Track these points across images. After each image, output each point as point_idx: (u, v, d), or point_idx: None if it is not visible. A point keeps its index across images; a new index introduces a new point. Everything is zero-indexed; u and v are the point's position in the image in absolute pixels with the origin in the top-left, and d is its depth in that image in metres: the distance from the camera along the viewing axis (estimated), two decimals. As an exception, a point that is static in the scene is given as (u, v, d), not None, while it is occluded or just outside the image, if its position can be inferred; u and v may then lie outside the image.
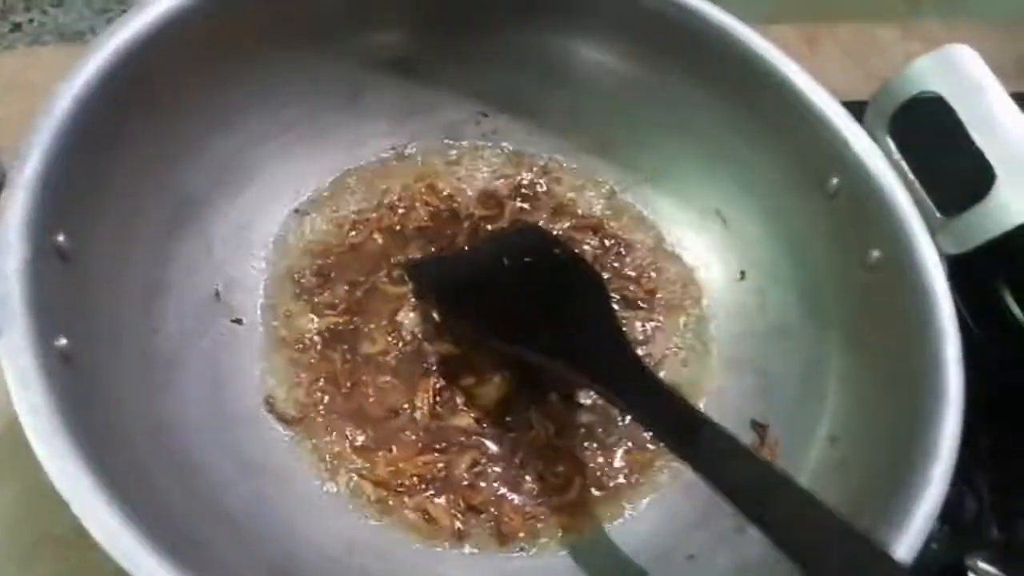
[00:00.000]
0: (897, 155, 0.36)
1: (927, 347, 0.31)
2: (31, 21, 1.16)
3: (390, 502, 0.33)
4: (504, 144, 0.44)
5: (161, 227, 0.34)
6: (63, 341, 0.26)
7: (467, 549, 0.33)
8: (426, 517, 0.33)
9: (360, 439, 0.35)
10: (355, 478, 0.34)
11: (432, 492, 0.34)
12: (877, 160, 0.35)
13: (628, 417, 0.36)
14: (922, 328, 0.32)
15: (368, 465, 0.34)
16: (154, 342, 0.32)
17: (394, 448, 0.35)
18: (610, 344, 0.33)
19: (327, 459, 0.34)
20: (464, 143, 0.43)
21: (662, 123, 0.42)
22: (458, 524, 0.33)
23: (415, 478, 0.34)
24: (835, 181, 0.36)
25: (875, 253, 0.35)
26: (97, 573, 0.23)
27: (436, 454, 0.35)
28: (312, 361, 0.36)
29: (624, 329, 0.36)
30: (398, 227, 0.40)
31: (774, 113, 0.38)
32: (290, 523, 0.31)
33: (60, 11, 1.17)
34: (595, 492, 0.35)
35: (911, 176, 0.35)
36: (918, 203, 0.34)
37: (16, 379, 0.24)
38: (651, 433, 0.33)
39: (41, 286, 0.26)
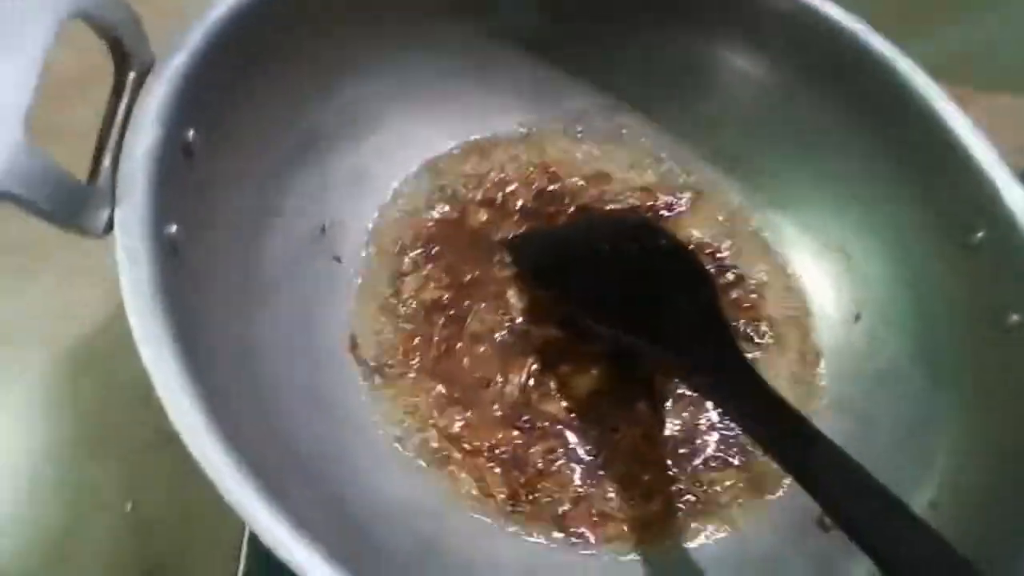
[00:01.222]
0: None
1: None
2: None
3: (451, 458, 0.33)
4: (629, 142, 0.42)
5: (283, 154, 0.35)
6: (174, 228, 0.26)
7: (517, 528, 0.32)
8: (480, 484, 0.32)
9: (442, 394, 0.34)
10: (424, 431, 0.33)
11: (496, 464, 0.33)
12: (1034, 218, 0.32)
13: (714, 437, 0.35)
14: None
15: (444, 421, 0.33)
16: (257, 261, 0.33)
17: (474, 414, 0.34)
18: (715, 338, 0.32)
19: (401, 411, 0.33)
20: (589, 133, 0.42)
21: (800, 148, 0.40)
22: (512, 501, 0.32)
23: (486, 445, 0.33)
24: (980, 234, 0.34)
25: (1015, 316, 0.32)
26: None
27: (516, 431, 0.34)
28: (406, 319, 0.36)
29: (728, 322, 0.34)
30: (502, 202, 0.40)
31: (923, 154, 0.36)
32: (352, 467, 0.31)
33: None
34: (676, 508, 0.34)
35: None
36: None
37: (125, 250, 0.24)
38: (753, 436, 0.31)
39: (164, 173, 0.26)
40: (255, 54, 0.31)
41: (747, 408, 0.29)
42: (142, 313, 0.23)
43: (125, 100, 0.26)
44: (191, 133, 0.28)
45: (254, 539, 0.34)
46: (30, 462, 0.38)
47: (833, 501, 0.26)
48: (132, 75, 0.26)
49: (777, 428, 0.28)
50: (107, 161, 0.25)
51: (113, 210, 0.24)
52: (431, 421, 0.33)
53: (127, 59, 0.26)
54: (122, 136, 0.26)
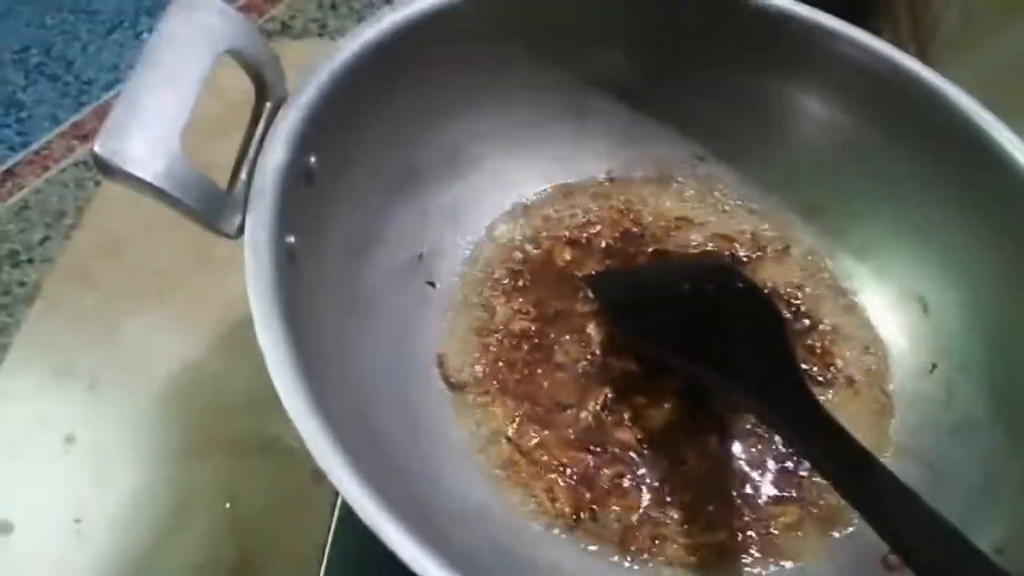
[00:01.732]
0: None
1: None
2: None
3: (522, 469, 0.35)
4: (714, 191, 0.44)
5: (388, 184, 0.38)
6: (292, 239, 0.29)
7: (584, 543, 0.33)
8: (549, 497, 0.34)
9: (520, 412, 0.36)
10: (499, 444, 0.35)
11: (565, 481, 0.35)
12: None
13: (781, 473, 0.36)
14: None
15: (519, 436, 0.35)
16: (360, 277, 0.36)
17: (550, 433, 0.36)
18: (786, 376, 0.33)
19: (479, 424, 0.36)
20: (675, 181, 0.45)
21: (879, 196, 0.41)
22: (576, 516, 0.34)
23: (556, 463, 0.35)
24: (1061, 287, 0.34)
25: (1091, 366, 0.32)
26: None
27: (587, 454, 0.36)
28: (493, 344, 0.39)
29: (797, 360, 0.35)
30: (587, 241, 0.42)
31: (1003, 205, 0.36)
32: (434, 471, 0.33)
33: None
34: (739, 541, 0.35)
35: None
36: None
37: (252, 246, 0.27)
38: (821, 472, 0.32)
39: (288, 190, 0.30)
40: (370, 93, 0.35)
41: (816, 444, 0.30)
42: (262, 300, 0.26)
43: (261, 126, 0.30)
44: (312, 159, 0.32)
45: (338, 537, 0.37)
46: (148, 465, 0.42)
47: (902, 538, 0.26)
48: (268, 105, 0.30)
49: (846, 464, 0.29)
50: (243, 175, 0.29)
51: (245, 215, 0.28)
52: (507, 434, 0.36)
53: (265, 91, 0.30)
54: (257, 155, 0.29)
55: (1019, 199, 0.36)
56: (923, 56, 0.42)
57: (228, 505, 0.41)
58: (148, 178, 0.25)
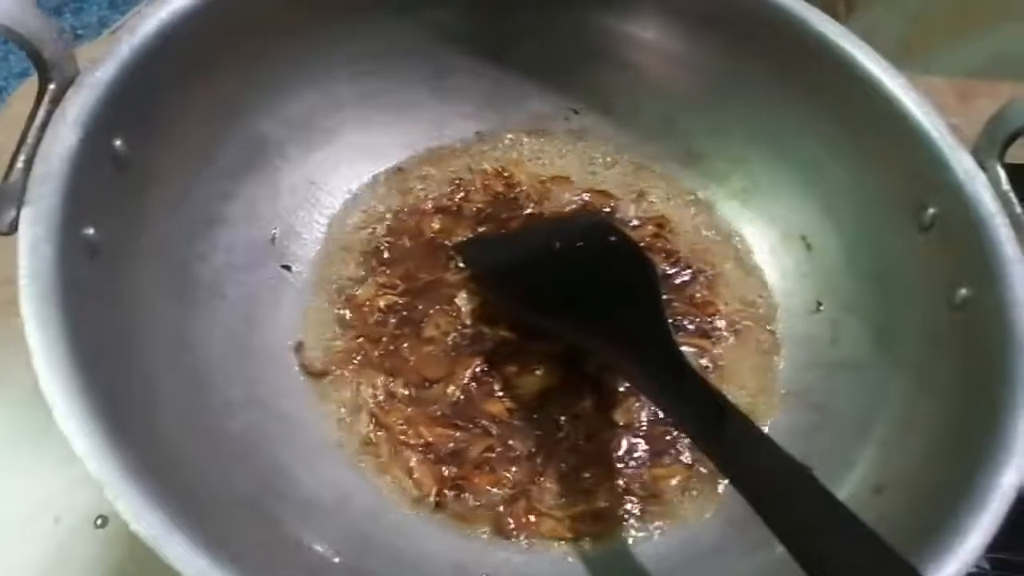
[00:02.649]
0: (1006, 186, 0.31)
1: (1000, 397, 0.27)
2: None
3: (382, 452, 0.33)
4: (590, 143, 0.42)
5: (231, 163, 0.36)
6: (90, 231, 0.27)
7: (453, 526, 0.31)
8: (411, 479, 0.32)
9: (384, 391, 0.34)
10: (360, 426, 0.33)
11: (427, 460, 0.33)
12: (980, 188, 0.31)
13: (662, 433, 0.34)
14: (1000, 376, 0.28)
15: (382, 416, 0.34)
16: (198, 265, 0.33)
17: (414, 411, 0.34)
18: (652, 333, 0.31)
19: (339, 405, 0.34)
20: (549, 136, 0.42)
21: (755, 137, 0.39)
22: (439, 497, 0.32)
23: (421, 442, 0.33)
24: (931, 211, 0.33)
25: (963, 291, 0.31)
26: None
27: (454, 430, 0.34)
28: (354, 324, 0.36)
29: (666, 316, 0.34)
30: (456, 208, 0.40)
31: (874, 132, 0.35)
32: (285, 463, 0.31)
33: None
34: (620, 505, 0.33)
35: (1019, 210, 0.31)
36: (1022, 241, 0.30)
37: (27, 247, 0.25)
38: (673, 420, 0.31)
39: (84, 177, 0.27)
40: (191, 66, 0.32)
41: (670, 393, 0.29)
42: (36, 300, 0.24)
43: (44, 109, 0.27)
44: (118, 141, 0.29)
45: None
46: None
47: (743, 477, 0.25)
48: (52, 87, 0.28)
49: (704, 420, 0.28)
50: (20, 163, 0.26)
51: (20, 209, 0.25)
52: (369, 418, 0.33)
53: (47, 69, 0.27)
54: (39, 142, 0.27)
55: (885, 124, 0.34)
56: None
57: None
58: None
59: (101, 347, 0.25)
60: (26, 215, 0.25)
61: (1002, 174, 0.32)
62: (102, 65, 0.29)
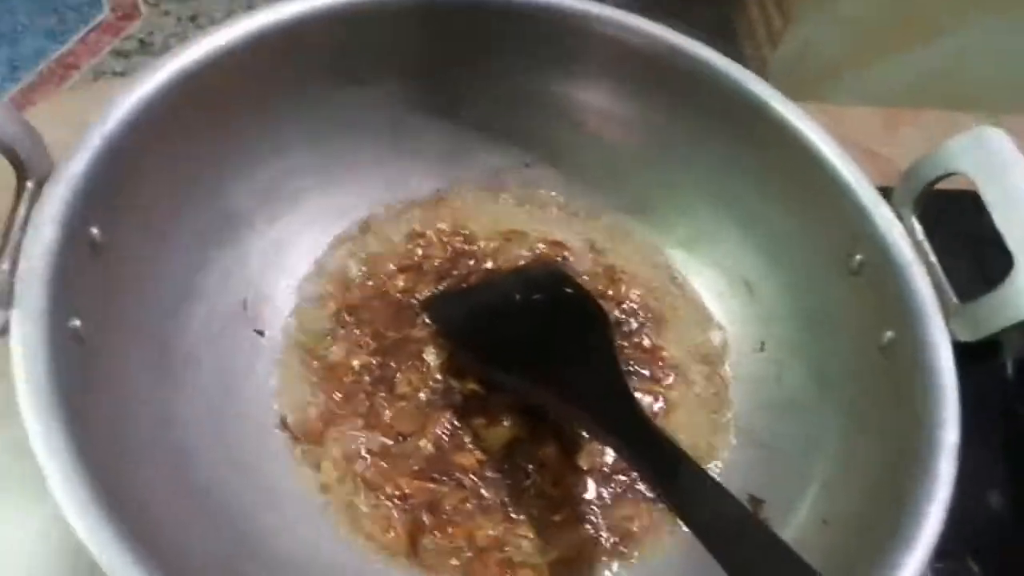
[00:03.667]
0: (921, 235, 0.34)
1: (922, 438, 0.30)
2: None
3: (360, 511, 0.34)
4: (542, 196, 0.45)
5: (200, 237, 0.37)
6: (76, 322, 0.28)
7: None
8: (387, 527, 0.34)
9: (362, 449, 0.36)
10: (341, 485, 0.35)
11: (403, 513, 0.34)
12: (899, 239, 0.34)
13: (625, 475, 0.36)
14: (921, 417, 0.30)
15: (359, 473, 0.35)
16: (176, 339, 0.35)
17: (390, 466, 0.36)
18: (604, 378, 0.34)
19: (322, 470, 0.35)
20: (504, 190, 0.45)
21: (699, 189, 0.42)
22: (415, 548, 0.34)
23: (397, 494, 0.35)
24: (859, 257, 0.36)
25: (888, 333, 0.33)
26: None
27: (430, 483, 0.36)
28: (332, 383, 0.38)
29: (620, 367, 0.36)
30: (418, 265, 0.42)
31: (800, 182, 0.38)
32: (264, 524, 0.33)
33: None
34: (590, 547, 0.35)
35: (932, 258, 0.34)
36: (937, 287, 0.33)
37: (20, 346, 0.26)
38: (632, 466, 0.33)
39: (65, 270, 0.28)
40: (157, 149, 0.34)
41: (627, 442, 0.31)
42: (34, 402, 0.25)
43: (23, 208, 0.28)
44: (94, 230, 0.30)
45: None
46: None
47: (695, 519, 0.27)
48: (30, 185, 0.29)
49: (660, 469, 0.30)
50: (5, 265, 0.27)
51: (10, 311, 0.26)
52: (348, 474, 0.35)
53: (24, 169, 0.29)
54: (21, 241, 0.28)
55: (806, 173, 0.37)
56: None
57: None
58: None
59: (94, 435, 0.27)
60: (16, 316, 0.27)
61: (917, 226, 0.35)
62: (75, 158, 0.30)
